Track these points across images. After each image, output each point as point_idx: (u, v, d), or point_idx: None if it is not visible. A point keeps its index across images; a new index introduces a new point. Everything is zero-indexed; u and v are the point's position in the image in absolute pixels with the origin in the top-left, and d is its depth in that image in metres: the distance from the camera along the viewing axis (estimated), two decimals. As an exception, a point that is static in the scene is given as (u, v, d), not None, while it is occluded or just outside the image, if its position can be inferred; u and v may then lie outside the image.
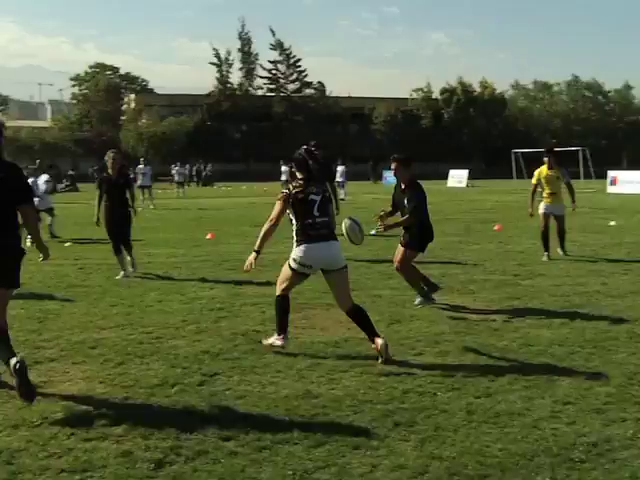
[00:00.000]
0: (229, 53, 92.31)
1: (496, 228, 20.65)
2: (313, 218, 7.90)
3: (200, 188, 60.23)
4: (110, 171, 12.95)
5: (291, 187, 8.02)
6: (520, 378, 6.83)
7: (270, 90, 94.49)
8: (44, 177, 21.03)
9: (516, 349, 7.91)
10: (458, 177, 60.33)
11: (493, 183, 59.20)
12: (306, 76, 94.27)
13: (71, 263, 14.78)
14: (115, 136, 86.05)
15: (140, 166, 36.23)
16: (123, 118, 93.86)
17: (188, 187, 51.48)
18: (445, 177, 61.82)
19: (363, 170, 67.86)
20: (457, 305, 10.23)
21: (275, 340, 7.91)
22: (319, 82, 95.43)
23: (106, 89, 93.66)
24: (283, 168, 53.39)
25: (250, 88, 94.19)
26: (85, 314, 9.84)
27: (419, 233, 10.43)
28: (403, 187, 10.38)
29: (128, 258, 13.17)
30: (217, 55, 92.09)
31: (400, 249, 10.50)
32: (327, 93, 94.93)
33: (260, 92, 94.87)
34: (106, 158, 13.13)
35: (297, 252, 7.88)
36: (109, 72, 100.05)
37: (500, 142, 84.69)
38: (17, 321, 9.31)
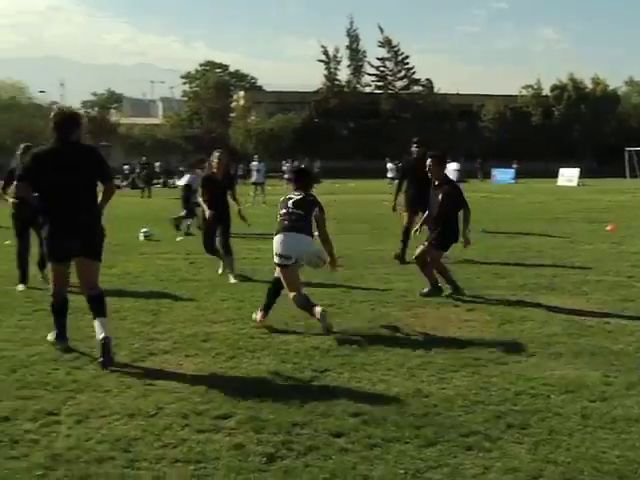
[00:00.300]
0: (337, 50, 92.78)
1: (609, 228, 20.16)
2: (287, 209, 8.97)
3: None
4: (215, 170, 12.79)
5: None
6: (637, 383, 6.63)
7: (378, 87, 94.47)
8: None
9: (632, 353, 7.70)
10: (568, 176, 59.04)
11: (605, 182, 57.78)
12: (414, 73, 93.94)
13: (182, 257, 15.05)
14: (224, 133, 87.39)
15: (254, 163, 36.64)
16: (232, 115, 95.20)
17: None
18: (555, 175, 60.62)
19: (470, 168, 66.75)
20: (569, 306, 10.01)
21: (316, 313, 8.50)
22: (427, 79, 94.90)
23: (216, 86, 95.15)
24: (389, 165, 53.48)
25: (358, 85, 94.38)
26: (197, 308, 10.00)
27: (445, 232, 10.73)
28: (437, 184, 10.93)
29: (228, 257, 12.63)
30: (325, 52, 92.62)
31: (427, 248, 10.78)
32: (435, 90, 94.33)
33: (368, 89, 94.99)
34: (212, 157, 13.01)
35: (275, 244, 8.83)
36: (219, 70, 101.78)
37: (613, 140, 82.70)
38: (132, 313, 9.56)
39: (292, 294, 8.70)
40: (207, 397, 6.29)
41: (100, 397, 6.32)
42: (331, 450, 5.18)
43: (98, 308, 7.50)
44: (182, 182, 22.24)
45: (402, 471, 4.85)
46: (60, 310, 7.77)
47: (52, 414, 5.92)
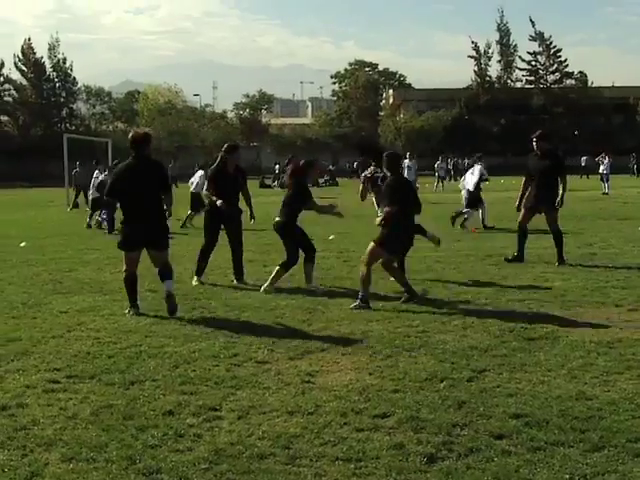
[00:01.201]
0: (489, 46, 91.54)
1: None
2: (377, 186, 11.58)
3: (454, 183, 59.60)
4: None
5: None
6: None
7: (529, 82, 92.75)
8: None
9: None
10: None
11: None
12: (567, 66, 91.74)
13: (335, 256, 15.14)
14: (373, 131, 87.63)
15: (405, 160, 36.66)
16: (381, 113, 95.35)
17: (447, 182, 51.18)
18: None
19: (623, 164, 63.94)
20: None
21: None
22: (580, 72, 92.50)
23: (365, 85, 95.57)
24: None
25: (509, 80, 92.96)
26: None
27: (395, 233, 10.22)
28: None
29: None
30: (476, 48, 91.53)
31: (373, 247, 10.40)
32: (589, 83, 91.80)
33: (519, 84, 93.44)
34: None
35: None
36: (368, 69, 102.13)
37: None
38: (288, 311, 9.70)
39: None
40: (365, 396, 6.31)
41: (259, 394, 6.43)
42: (493, 452, 5.08)
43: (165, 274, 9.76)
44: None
45: (567, 476, 4.70)
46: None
47: (214, 409, 6.07)
